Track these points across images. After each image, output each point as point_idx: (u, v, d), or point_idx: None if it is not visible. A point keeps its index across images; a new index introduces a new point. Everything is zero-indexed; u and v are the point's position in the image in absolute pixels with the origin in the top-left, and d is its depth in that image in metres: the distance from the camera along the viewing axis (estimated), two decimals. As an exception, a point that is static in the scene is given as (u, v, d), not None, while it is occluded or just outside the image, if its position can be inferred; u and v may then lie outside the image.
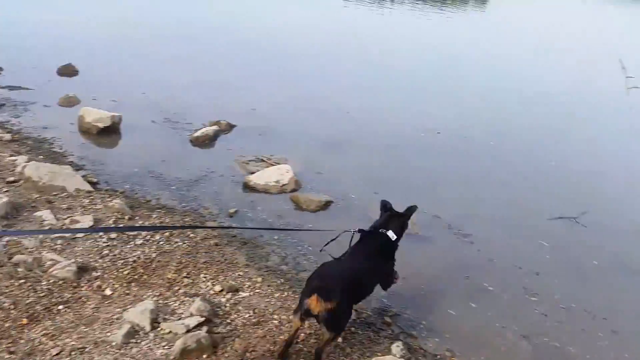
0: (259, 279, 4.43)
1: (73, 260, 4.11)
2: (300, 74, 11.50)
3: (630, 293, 5.18)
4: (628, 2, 47.31)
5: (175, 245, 4.61)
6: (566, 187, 7.42)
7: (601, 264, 5.57)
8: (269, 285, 4.39)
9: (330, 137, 7.98)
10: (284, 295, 4.29)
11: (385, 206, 4.22)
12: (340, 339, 3.85)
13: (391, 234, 3.99)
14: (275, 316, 3.98)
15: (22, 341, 3.35)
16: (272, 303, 4.14)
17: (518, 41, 20.31)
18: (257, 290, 4.28)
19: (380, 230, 4.02)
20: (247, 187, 6.16)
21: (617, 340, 4.43)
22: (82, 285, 3.93)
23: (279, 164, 6.62)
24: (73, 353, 3.31)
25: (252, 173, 6.35)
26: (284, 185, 6.21)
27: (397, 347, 3.87)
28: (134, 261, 4.27)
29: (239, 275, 4.43)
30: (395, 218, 4.15)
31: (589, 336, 4.46)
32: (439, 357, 4.00)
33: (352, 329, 4.04)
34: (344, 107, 9.44)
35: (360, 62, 13.18)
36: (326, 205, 6.00)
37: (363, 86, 11.17)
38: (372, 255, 3.91)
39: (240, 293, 4.18)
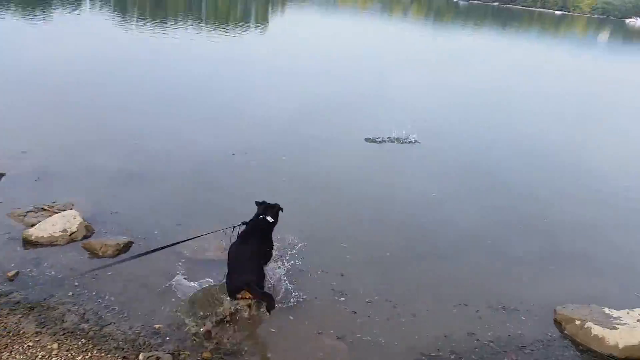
0: (55, 345, 3.95)
1: None
2: (77, 102, 10.62)
3: (420, 277, 5.73)
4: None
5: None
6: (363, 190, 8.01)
7: (393, 254, 6.08)
8: (68, 350, 3.93)
9: (121, 170, 7.46)
10: (88, 357, 3.88)
11: (261, 202, 5.25)
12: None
13: (269, 219, 5.06)
14: (81, 382, 3.58)
15: None
16: (75, 368, 3.72)
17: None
18: (54, 359, 3.80)
19: (260, 217, 5.05)
20: (28, 243, 5.41)
21: (417, 322, 4.88)
22: None
23: (64, 210, 5.98)
24: None
25: (32, 225, 5.61)
26: (72, 233, 5.62)
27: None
28: None
29: (28, 346, 3.89)
30: (270, 207, 5.20)
31: (393, 323, 4.83)
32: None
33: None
34: (134, 135, 8.97)
35: (139, 85, 12.68)
36: (126, 247, 5.58)
37: (152, 109, 10.74)
38: (259, 236, 4.91)
39: (32, 367, 3.67)
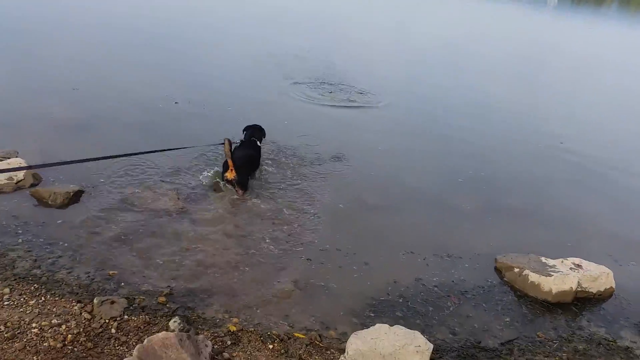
0: (7, 290, 3.90)
1: None
2: (18, 49, 10.12)
3: (371, 228, 5.92)
4: None
5: None
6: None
7: (345, 205, 6.26)
8: (20, 294, 3.90)
9: (66, 119, 7.28)
10: (41, 301, 3.86)
11: (249, 126, 6.71)
12: (114, 330, 3.68)
13: (257, 142, 6.55)
14: (34, 324, 3.57)
15: None
16: (28, 312, 3.70)
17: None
18: (6, 303, 3.77)
19: (251, 139, 6.50)
20: (-28, 191, 5.26)
21: (368, 270, 5.08)
22: None
23: (8, 158, 5.78)
24: None
25: (-24, 173, 5.44)
26: (19, 181, 5.47)
27: (174, 323, 3.83)
28: None
29: (-22, 292, 3.83)
30: (258, 130, 6.70)
31: (345, 271, 5.01)
32: (218, 320, 4.08)
33: (125, 316, 3.86)
34: (78, 83, 8.69)
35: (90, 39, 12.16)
36: (76, 195, 5.47)
37: (99, 59, 10.37)
38: (250, 150, 6.31)
39: (-17, 311, 3.63)
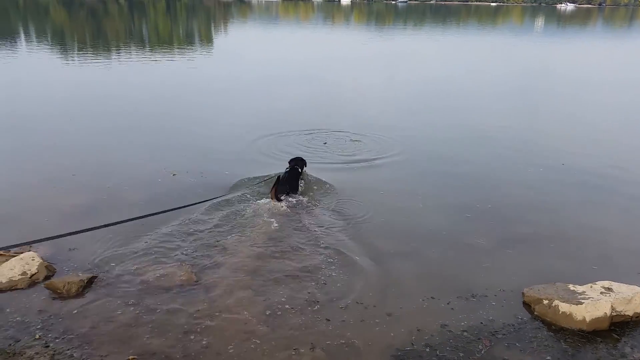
0: (26, 392, 3.82)
1: None
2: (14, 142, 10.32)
3: (386, 277, 5.79)
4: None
5: None
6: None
7: (359, 256, 6.15)
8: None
9: (71, 206, 7.28)
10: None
11: (294, 159, 8.26)
12: None
13: (299, 169, 8.04)
14: None
15: None
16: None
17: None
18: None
19: (294, 167, 8.00)
20: (-13, 291, 5.24)
21: (390, 321, 4.93)
22: None
23: (20, 253, 5.80)
24: None
25: (-11, 273, 5.44)
26: (33, 275, 5.46)
27: None
28: None
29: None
30: (300, 160, 8.22)
31: (367, 325, 4.86)
32: None
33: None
34: (77, 170, 8.78)
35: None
36: (90, 282, 5.43)
37: (96, 141, 10.52)
38: (293, 177, 7.82)
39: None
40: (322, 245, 6.30)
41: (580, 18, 65.61)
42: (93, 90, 16.14)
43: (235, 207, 7.23)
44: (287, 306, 5.11)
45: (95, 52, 25.42)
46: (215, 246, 6.21)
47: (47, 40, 30.69)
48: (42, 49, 26.31)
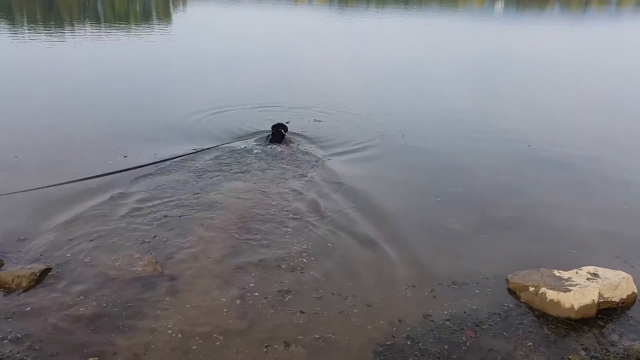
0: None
1: None
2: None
3: (365, 266, 5.50)
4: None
5: None
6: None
7: (334, 245, 5.83)
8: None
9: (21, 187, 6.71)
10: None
11: (276, 125, 9.19)
12: None
13: (283, 131, 9.06)
14: None
15: None
16: None
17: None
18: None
19: (279, 129, 9.02)
20: None
21: (370, 312, 4.65)
22: None
23: (-34, 244, 5.30)
24: None
25: None
26: (-21, 268, 4.98)
27: None
28: None
29: None
30: (282, 125, 9.17)
31: (345, 317, 4.58)
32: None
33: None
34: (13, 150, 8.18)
35: None
36: (43, 274, 4.96)
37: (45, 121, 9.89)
38: (279, 136, 8.89)
39: None
40: (292, 230, 5.97)
41: (539, 1, 66.23)
42: (41, 68, 15.38)
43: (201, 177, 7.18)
44: (257, 294, 4.77)
45: (47, 28, 24.37)
46: (180, 227, 5.85)
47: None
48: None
